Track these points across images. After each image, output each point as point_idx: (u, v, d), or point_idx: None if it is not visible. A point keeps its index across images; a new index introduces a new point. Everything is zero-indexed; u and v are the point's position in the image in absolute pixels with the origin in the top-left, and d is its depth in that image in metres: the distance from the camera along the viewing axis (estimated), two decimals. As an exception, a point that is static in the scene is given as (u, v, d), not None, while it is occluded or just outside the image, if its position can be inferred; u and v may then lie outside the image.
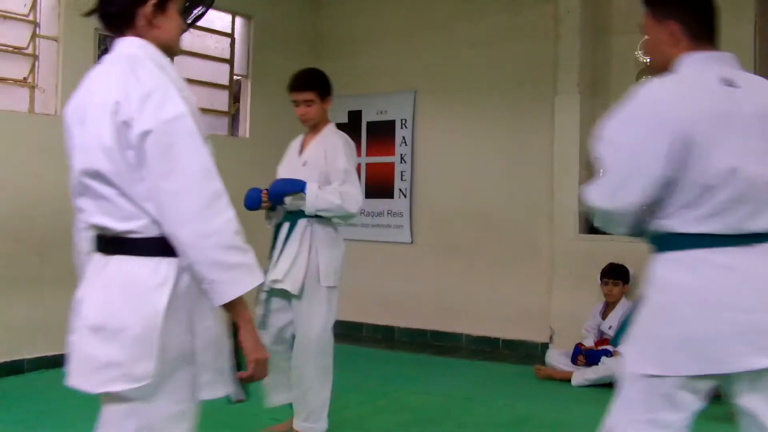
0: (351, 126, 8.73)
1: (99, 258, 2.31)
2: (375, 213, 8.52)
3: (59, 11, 6.44)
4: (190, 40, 7.72)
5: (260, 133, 8.27)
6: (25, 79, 6.38)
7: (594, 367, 6.20)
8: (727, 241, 2.39)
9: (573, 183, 7.10)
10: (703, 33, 2.66)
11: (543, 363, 6.63)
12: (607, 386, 6.15)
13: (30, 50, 6.39)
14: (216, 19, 7.98)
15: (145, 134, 2.13)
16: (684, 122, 2.38)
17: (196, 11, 7.52)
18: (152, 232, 2.19)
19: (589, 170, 7.21)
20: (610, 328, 6.49)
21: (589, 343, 6.50)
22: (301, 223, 4.46)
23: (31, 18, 6.38)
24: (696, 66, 2.57)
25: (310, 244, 4.47)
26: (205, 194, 2.15)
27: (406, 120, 8.42)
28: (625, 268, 6.57)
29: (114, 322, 2.18)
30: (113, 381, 2.17)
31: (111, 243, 2.26)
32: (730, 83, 2.50)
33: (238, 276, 2.16)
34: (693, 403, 2.45)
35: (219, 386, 2.30)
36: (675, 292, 2.46)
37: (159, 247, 2.18)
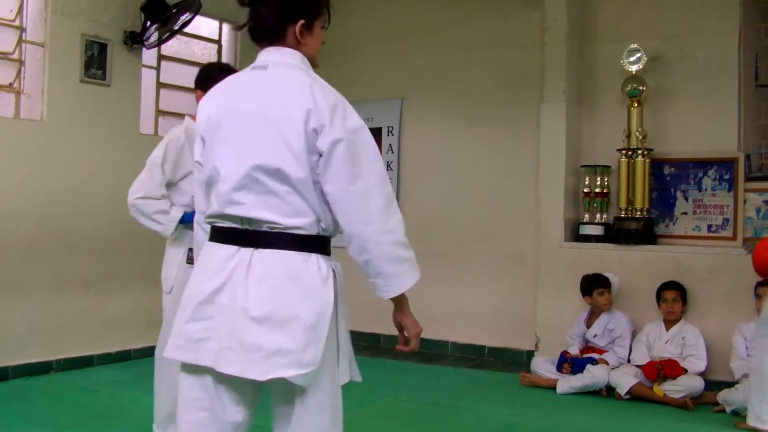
0: (338, 133, 8.73)
1: (236, 250, 2.45)
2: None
3: (46, 16, 6.42)
4: (176, 46, 7.72)
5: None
6: (10, 84, 6.36)
7: (579, 375, 6.21)
8: None
9: (559, 190, 7.13)
10: None
11: (528, 370, 6.64)
12: (591, 394, 6.18)
13: (16, 55, 6.38)
14: (203, 25, 7.98)
15: (336, 142, 2.42)
16: None
17: (183, 17, 7.55)
18: (315, 230, 2.44)
19: (575, 177, 7.26)
20: (595, 336, 6.51)
21: (574, 350, 6.52)
22: None
23: (17, 23, 6.37)
24: None
25: None
26: (385, 196, 2.45)
27: (392, 127, 8.42)
28: (603, 278, 6.60)
29: (284, 312, 2.38)
30: (284, 367, 2.35)
31: (265, 236, 2.43)
32: None
33: (409, 269, 2.51)
34: None
35: (352, 372, 2.67)
36: None
37: (320, 244, 2.47)
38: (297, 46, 2.63)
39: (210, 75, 4.25)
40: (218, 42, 8.20)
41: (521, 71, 7.64)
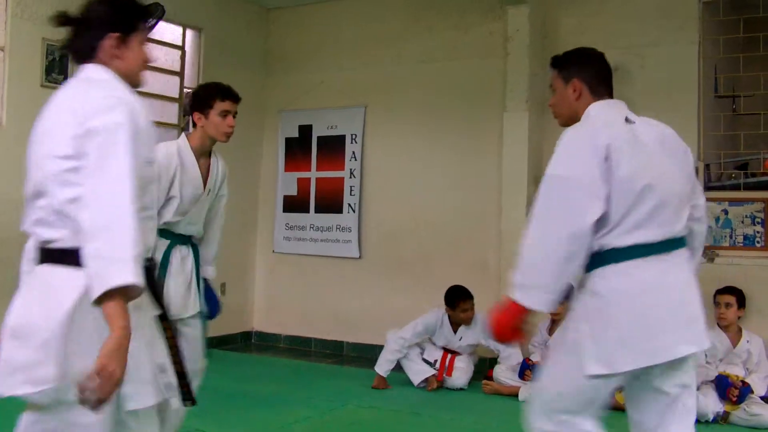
0: (301, 140, 8.74)
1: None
2: (324, 228, 8.51)
3: (6, 20, 6.35)
4: (139, 51, 7.65)
5: (210, 146, 8.22)
6: (-31, 88, 6.29)
7: (541, 382, 6.23)
8: (654, 248, 2.81)
9: (521, 199, 7.17)
10: (601, 86, 3.11)
11: (491, 378, 6.66)
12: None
13: (-25, 59, 6.31)
14: (166, 31, 7.94)
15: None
16: (608, 147, 2.82)
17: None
18: (68, 243, 2.29)
19: (537, 187, 7.29)
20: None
21: (536, 358, 6.55)
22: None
23: (-24, 27, 6.30)
24: (603, 110, 3.04)
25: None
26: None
27: (356, 135, 8.43)
28: (468, 290, 6.78)
29: (25, 326, 2.30)
30: (21, 384, 2.24)
31: (39, 252, 2.42)
32: (629, 121, 3.00)
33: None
34: (606, 395, 2.85)
35: (144, 396, 2.34)
36: (614, 298, 2.80)
37: (69, 257, 2.28)
38: (110, 61, 2.50)
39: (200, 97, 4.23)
40: (182, 48, 8.16)
41: (483, 81, 7.69)
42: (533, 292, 2.83)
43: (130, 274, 2.15)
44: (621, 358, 2.75)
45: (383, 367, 6.64)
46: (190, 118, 4.38)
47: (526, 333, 2.96)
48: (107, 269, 2.15)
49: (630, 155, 2.81)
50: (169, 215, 4.06)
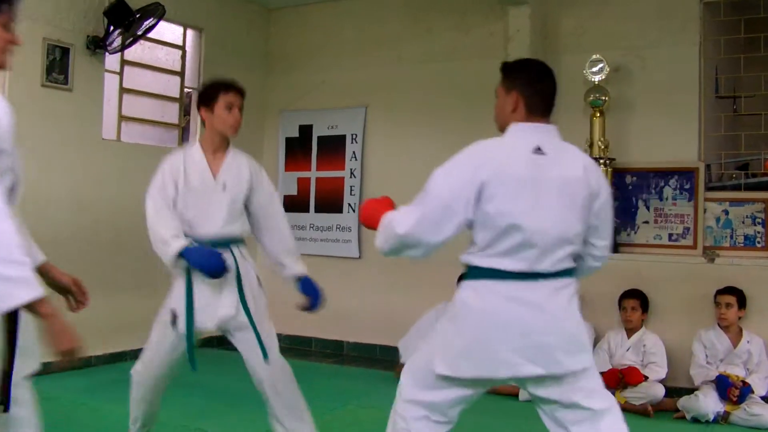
0: (302, 140, 8.75)
1: None
2: (324, 227, 8.51)
3: (7, 20, 6.35)
4: (141, 51, 7.67)
5: (210, 146, 8.22)
6: (-30, 87, 6.28)
7: (541, 382, 6.24)
8: (514, 276, 2.94)
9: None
10: (538, 107, 3.10)
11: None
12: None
13: (-24, 59, 6.30)
14: (167, 31, 7.94)
15: None
16: (487, 181, 2.91)
17: (147, 22, 7.51)
18: None
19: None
20: (557, 343, 6.55)
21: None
22: (236, 252, 4.22)
23: (-23, 26, 6.29)
24: (518, 134, 3.07)
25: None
26: None
27: (356, 135, 8.43)
28: None
29: None
30: None
31: None
32: (540, 151, 2.99)
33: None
34: (464, 393, 3.07)
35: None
36: (467, 311, 3.00)
37: None
38: None
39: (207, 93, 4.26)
40: (182, 48, 8.16)
41: (484, 81, 7.60)
42: (383, 236, 3.11)
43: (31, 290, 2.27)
44: (464, 365, 2.98)
45: None
46: (199, 117, 4.39)
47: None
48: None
49: (504, 194, 2.91)
50: (184, 218, 4.09)
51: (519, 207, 2.92)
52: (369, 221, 3.24)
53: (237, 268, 4.15)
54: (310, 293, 4.38)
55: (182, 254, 3.97)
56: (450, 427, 3.19)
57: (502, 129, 3.18)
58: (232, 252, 4.15)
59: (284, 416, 4.25)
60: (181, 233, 4.03)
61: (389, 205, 3.28)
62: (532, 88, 3.12)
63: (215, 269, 4.01)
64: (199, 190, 4.12)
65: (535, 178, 2.95)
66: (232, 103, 4.16)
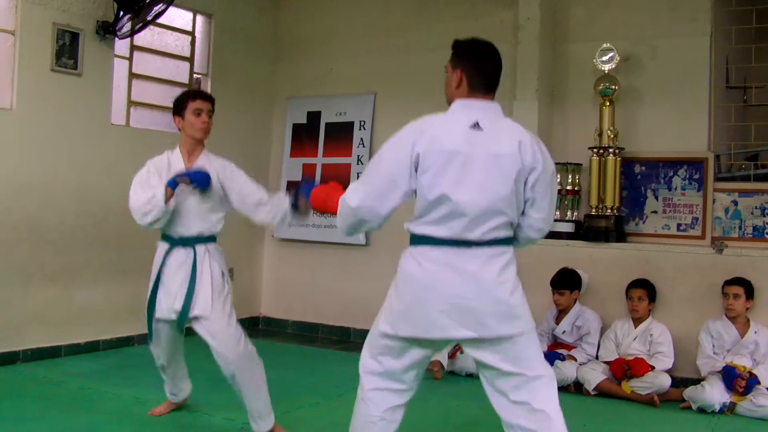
0: (309, 126, 8.74)
1: None
2: (329, 214, 8.48)
3: (16, 4, 6.35)
4: (150, 37, 7.66)
5: (219, 132, 8.19)
6: (-20, 72, 6.29)
7: (547, 371, 6.24)
8: (446, 243, 3.14)
9: (530, 188, 7.14)
10: (480, 85, 3.28)
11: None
12: (559, 390, 6.18)
13: (-15, 43, 6.31)
14: (177, 16, 7.93)
15: None
16: (423, 154, 3.12)
17: (157, 8, 7.51)
18: None
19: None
20: (563, 332, 6.56)
21: (542, 347, 6.53)
22: (200, 249, 4.58)
23: (-13, 10, 6.30)
24: (459, 110, 3.26)
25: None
26: None
27: (364, 122, 8.43)
28: (573, 275, 6.64)
29: None
30: None
31: None
32: (477, 127, 3.17)
33: None
34: (412, 356, 3.30)
35: None
36: (405, 276, 3.25)
37: None
38: None
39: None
40: (192, 34, 8.15)
41: (494, 69, 7.65)
42: (341, 217, 3.38)
43: None
44: (401, 325, 3.22)
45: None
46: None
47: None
48: None
49: (438, 166, 3.11)
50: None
51: (449, 178, 3.10)
52: (324, 205, 3.53)
53: (194, 264, 4.51)
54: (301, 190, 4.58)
55: (169, 184, 4.41)
56: (410, 394, 3.44)
57: (448, 104, 3.37)
58: (194, 249, 4.54)
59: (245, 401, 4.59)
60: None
61: (340, 189, 3.48)
62: (475, 68, 3.29)
63: (202, 180, 4.47)
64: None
65: (468, 152, 3.13)
66: (200, 109, 4.58)
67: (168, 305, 4.52)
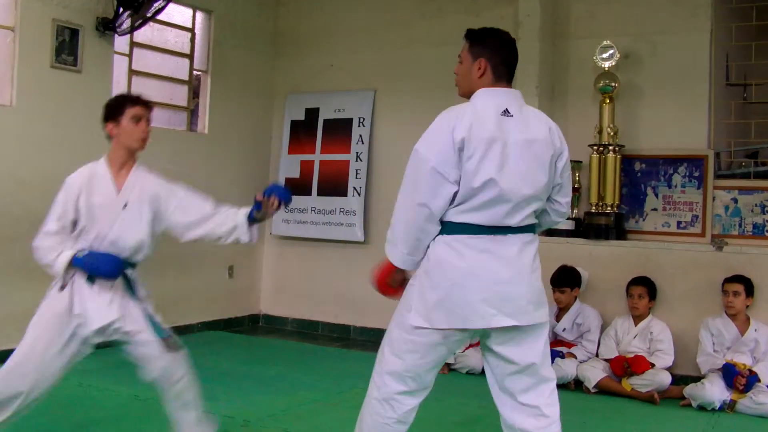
0: (307, 123, 8.72)
1: None
2: (326, 211, 8.50)
3: (16, 0, 6.34)
4: (150, 33, 7.65)
5: (219, 129, 8.22)
6: (-21, 68, 6.29)
7: (547, 368, 6.24)
8: (485, 230, 3.10)
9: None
10: (504, 74, 3.27)
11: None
12: (560, 387, 6.19)
13: (-15, 39, 6.31)
14: (176, 13, 7.93)
15: None
16: (466, 139, 3.06)
17: (156, 4, 7.50)
18: None
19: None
20: (564, 330, 6.56)
21: (543, 344, 6.55)
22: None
23: (-14, 7, 6.29)
24: (486, 98, 3.22)
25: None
26: None
27: (364, 118, 8.41)
28: (573, 272, 6.64)
29: None
30: None
31: None
32: (507, 113, 3.16)
33: None
34: (438, 353, 3.22)
35: None
36: (442, 264, 3.14)
37: None
38: None
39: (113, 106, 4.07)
40: (191, 30, 8.14)
41: (494, 65, 7.65)
42: (395, 251, 3.26)
43: None
44: (437, 317, 3.12)
45: None
46: (105, 132, 4.16)
47: (400, 289, 3.39)
48: None
49: (481, 152, 3.06)
50: (84, 242, 3.96)
51: (494, 163, 3.07)
52: (381, 277, 3.49)
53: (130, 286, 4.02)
54: (273, 191, 3.96)
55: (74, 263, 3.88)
56: (425, 394, 3.34)
57: (464, 94, 3.37)
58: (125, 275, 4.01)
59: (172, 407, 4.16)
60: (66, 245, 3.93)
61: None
62: (499, 57, 3.28)
63: (109, 271, 3.92)
64: (102, 206, 4.00)
65: (504, 138, 3.11)
66: (140, 116, 3.98)
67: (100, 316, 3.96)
